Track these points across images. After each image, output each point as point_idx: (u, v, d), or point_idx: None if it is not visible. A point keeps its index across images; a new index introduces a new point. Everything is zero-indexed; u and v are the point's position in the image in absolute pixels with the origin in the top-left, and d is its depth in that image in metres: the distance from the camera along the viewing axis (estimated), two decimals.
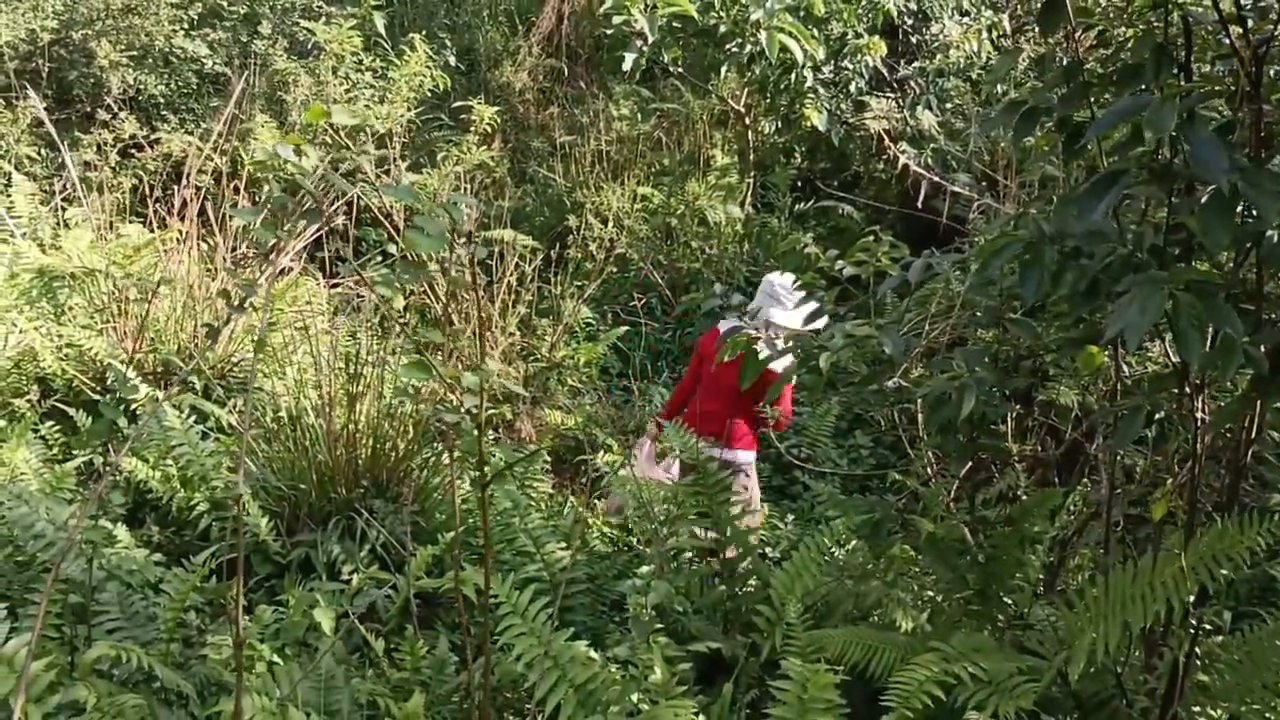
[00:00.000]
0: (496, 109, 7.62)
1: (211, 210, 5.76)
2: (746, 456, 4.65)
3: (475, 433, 1.83)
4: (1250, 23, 2.36)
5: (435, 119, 8.44)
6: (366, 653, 3.33)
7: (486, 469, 1.98)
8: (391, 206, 6.37)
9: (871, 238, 3.60)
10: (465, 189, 7.03)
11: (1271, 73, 2.61)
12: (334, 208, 5.31)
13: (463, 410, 1.79)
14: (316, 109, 2.37)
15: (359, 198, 5.77)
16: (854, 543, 3.91)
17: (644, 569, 3.96)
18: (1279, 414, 2.68)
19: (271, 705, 2.57)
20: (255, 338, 4.27)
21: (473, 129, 7.17)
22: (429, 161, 7.76)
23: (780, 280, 4.53)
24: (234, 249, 5.75)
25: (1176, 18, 2.40)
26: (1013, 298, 2.99)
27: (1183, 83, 2.46)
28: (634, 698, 2.79)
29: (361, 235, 7.41)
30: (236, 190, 5.95)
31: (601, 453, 5.31)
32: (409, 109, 7.43)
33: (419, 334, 1.95)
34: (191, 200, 5.71)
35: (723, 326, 4.25)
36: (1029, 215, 2.70)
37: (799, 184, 8.54)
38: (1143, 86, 2.34)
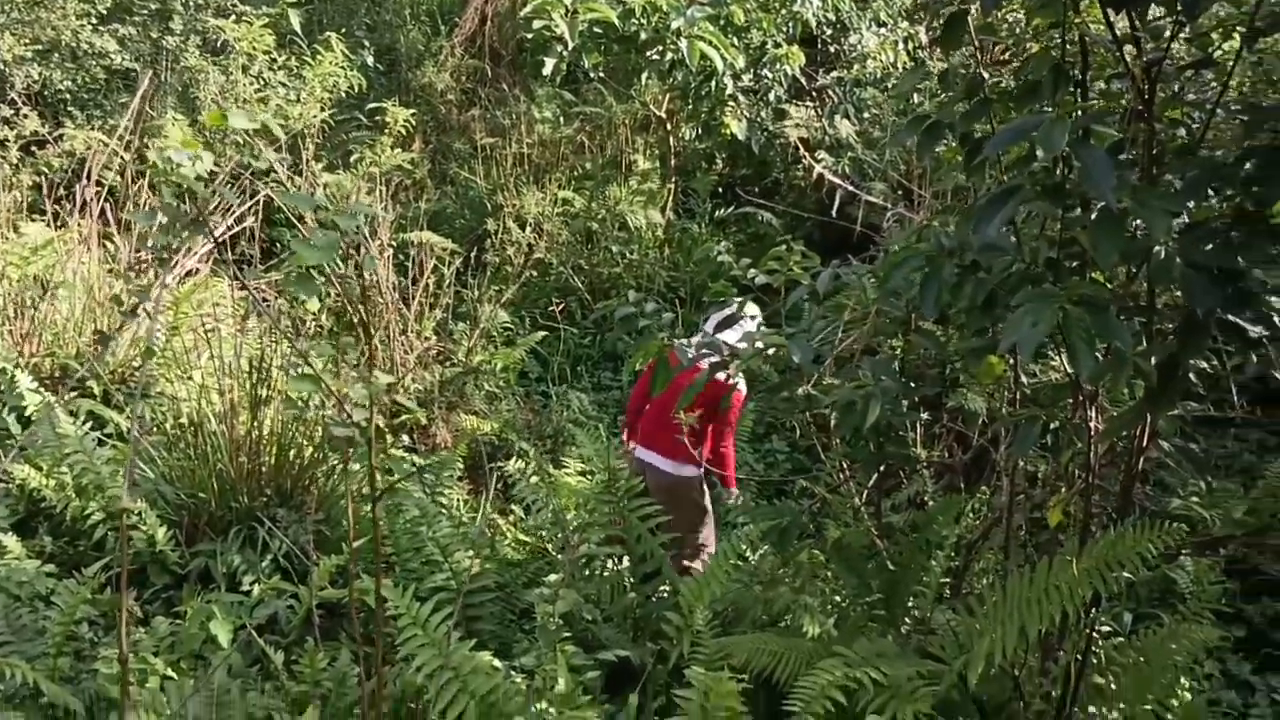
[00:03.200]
0: (415, 110, 7.51)
1: (115, 210, 5.58)
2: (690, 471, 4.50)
3: (367, 446, 1.79)
4: (1143, 43, 2.42)
5: (352, 119, 8.31)
6: (266, 665, 3.25)
7: (378, 484, 1.94)
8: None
9: (784, 247, 3.62)
10: (382, 191, 6.92)
11: (1164, 93, 2.67)
12: (241, 211, 5.18)
13: (353, 423, 1.75)
14: (214, 114, 2.30)
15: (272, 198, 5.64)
16: (763, 548, 3.93)
17: (552, 577, 3.93)
18: (1171, 423, 2.76)
19: None
20: (150, 344, 4.14)
21: (388, 130, 7.07)
22: (343, 163, 7.62)
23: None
24: (137, 250, 5.57)
25: (1075, 36, 2.45)
26: (919, 307, 3.03)
27: (1080, 100, 2.51)
28: (538, 707, 2.76)
29: (276, 236, 7.25)
30: (143, 190, 5.77)
31: (515, 458, 5.26)
32: (323, 109, 7.29)
33: (316, 346, 1.90)
34: (94, 199, 5.53)
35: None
36: (932, 228, 2.74)
37: (719, 190, 8.58)
38: (1041, 104, 2.39)
